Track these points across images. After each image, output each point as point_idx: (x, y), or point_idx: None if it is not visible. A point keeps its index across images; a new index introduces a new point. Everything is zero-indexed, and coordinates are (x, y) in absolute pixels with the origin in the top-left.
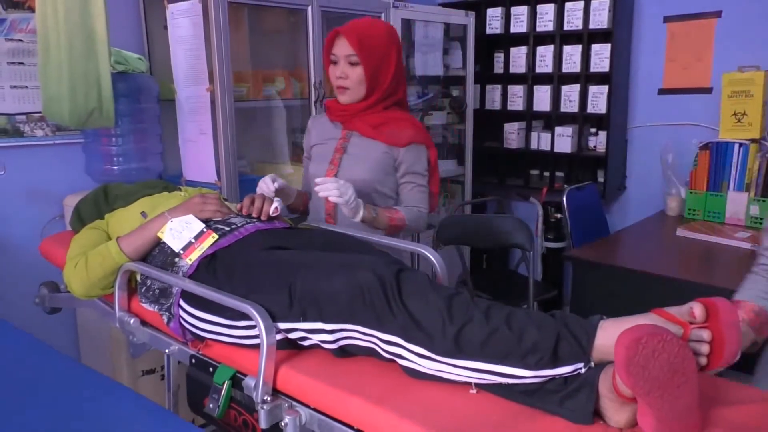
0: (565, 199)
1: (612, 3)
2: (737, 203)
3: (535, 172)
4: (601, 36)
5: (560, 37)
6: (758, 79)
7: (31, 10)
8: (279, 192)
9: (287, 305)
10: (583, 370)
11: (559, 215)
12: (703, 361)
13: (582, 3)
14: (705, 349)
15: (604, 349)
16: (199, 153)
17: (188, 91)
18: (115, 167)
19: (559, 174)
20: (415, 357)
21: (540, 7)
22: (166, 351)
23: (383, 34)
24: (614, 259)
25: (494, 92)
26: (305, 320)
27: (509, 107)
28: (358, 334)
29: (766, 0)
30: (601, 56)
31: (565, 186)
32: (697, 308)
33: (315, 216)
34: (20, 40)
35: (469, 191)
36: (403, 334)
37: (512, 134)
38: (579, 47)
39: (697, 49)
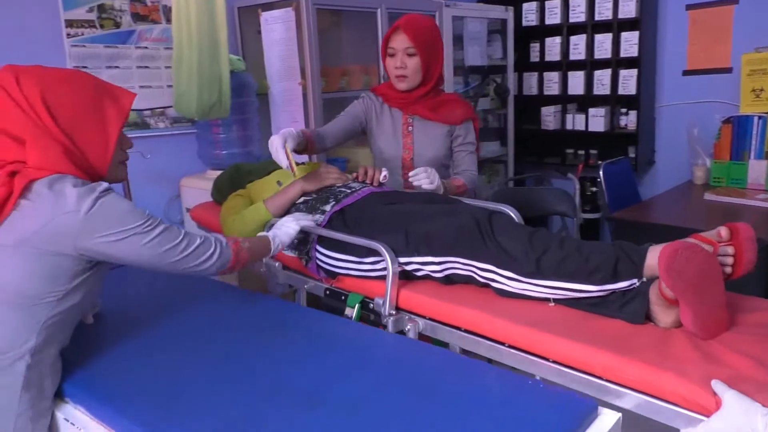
0: (602, 172)
1: None
2: (757, 170)
3: (570, 150)
4: (629, 24)
5: (592, 27)
6: None
7: (154, 21)
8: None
9: (404, 244)
10: (637, 284)
11: (594, 189)
12: (729, 270)
13: None
14: (729, 260)
15: (653, 267)
16: None
17: (281, 86)
18: (223, 152)
19: (593, 151)
20: (506, 279)
21: (572, 0)
22: (305, 287)
23: (432, 29)
24: (649, 218)
25: (531, 79)
26: (419, 255)
27: (545, 92)
28: (460, 265)
29: None
30: (630, 43)
31: (599, 162)
32: (723, 230)
33: (395, 187)
34: (146, 47)
35: (511, 170)
36: (495, 262)
37: (549, 117)
38: (609, 35)
39: (718, 34)
